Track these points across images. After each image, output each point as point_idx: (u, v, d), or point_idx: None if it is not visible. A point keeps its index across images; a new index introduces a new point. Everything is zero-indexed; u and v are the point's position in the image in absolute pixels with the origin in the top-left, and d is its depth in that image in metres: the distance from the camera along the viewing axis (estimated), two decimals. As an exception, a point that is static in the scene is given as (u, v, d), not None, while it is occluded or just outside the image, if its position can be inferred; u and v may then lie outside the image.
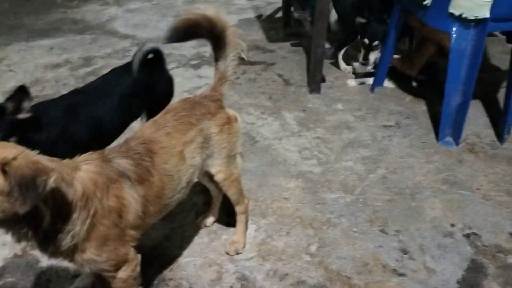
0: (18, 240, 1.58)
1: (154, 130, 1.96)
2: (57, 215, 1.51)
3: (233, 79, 2.27)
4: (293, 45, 5.06)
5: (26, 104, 2.07)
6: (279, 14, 5.96)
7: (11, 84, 4.27)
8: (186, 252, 2.44)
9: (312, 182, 2.96)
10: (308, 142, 3.38)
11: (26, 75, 4.47)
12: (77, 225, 1.57)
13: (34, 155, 1.44)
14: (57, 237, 1.55)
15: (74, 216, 1.55)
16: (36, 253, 1.95)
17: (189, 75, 4.47)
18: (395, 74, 4.13)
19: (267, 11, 6.19)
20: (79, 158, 1.72)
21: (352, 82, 4.15)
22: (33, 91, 4.10)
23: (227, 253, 2.44)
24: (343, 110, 3.79)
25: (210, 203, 2.64)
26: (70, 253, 1.63)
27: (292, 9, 5.24)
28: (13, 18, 6.22)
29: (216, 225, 2.62)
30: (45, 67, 4.63)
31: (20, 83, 4.28)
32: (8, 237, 2.52)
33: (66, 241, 1.57)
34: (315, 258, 2.40)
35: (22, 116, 2.06)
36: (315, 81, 3.97)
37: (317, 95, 4.00)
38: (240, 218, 2.45)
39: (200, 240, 2.52)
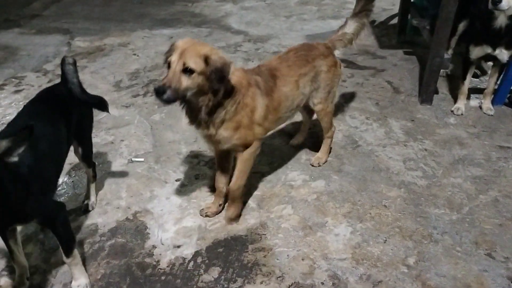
0: (190, 114, 2.29)
1: (279, 62, 2.62)
2: (225, 93, 2.19)
3: (347, 42, 2.97)
4: (406, 53, 4.89)
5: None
6: (394, 21, 5.80)
7: (134, 67, 4.68)
8: (280, 242, 2.49)
9: (416, 194, 2.84)
10: (414, 153, 3.24)
11: (147, 60, 4.86)
12: (229, 105, 2.24)
13: (221, 52, 2.17)
14: (216, 111, 2.22)
15: (230, 99, 2.22)
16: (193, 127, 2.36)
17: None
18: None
19: (381, 17, 6.04)
20: (237, 67, 2.34)
21: (474, 102, 3.87)
22: (152, 75, 4.48)
23: (312, 165, 3.09)
24: (455, 125, 3.58)
25: (301, 127, 3.37)
26: (216, 128, 2.28)
27: (409, 16, 5.07)
28: (139, 7, 6.80)
29: (312, 222, 2.63)
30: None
31: (143, 66, 4.69)
32: (122, 201, 2.79)
33: (220, 115, 2.24)
34: (413, 270, 2.31)
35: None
36: (428, 92, 3.79)
37: (428, 106, 3.83)
38: (326, 141, 3.09)
39: (295, 233, 2.55)
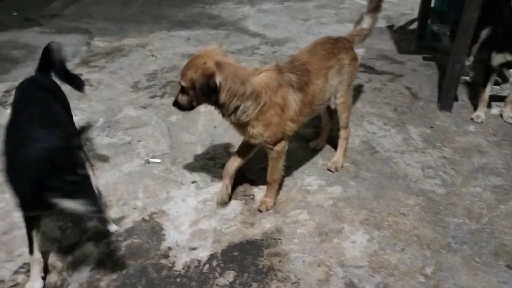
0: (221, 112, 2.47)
1: (309, 56, 2.71)
2: (229, 100, 2.34)
3: (363, 38, 3.10)
4: (425, 58, 4.84)
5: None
6: (413, 26, 5.74)
7: (152, 68, 4.71)
8: (296, 248, 2.47)
9: (434, 202, 2.80)
10: (433, 160, 3.20)
11: (165, 61, 4.89)
12: (250, 109, 2.39)
13: (209, 63, 2.30)
14: (236, 113, 2.39)
15: (248, 103, 2.37)
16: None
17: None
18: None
19: (400, 22, 5.99)
20: (265, 67, 2.54)
21: (494, 110, 3.82)
22: (170, 76, 4.50)
23: (329, 170, 3.07)
24: (475, 133, 3.53)
25: (320, 131, 3.36)
26: (245, 126, 2.48)
27: (429, 22, 5.01)
28: (158, 9, 6.84)
29: (328, 228, 2.60)
30: (182, 56, 5.01)
31: (161, 67, 4.72)
32: (138, 201, 2.80)
33: (242, 117, 2.41)
34: (430, 280, 2.27)
35: None
36: (447, 98, 3.75)
37: (447, 113, 3.78)
38: (342, 143, 3.10)
39: (311, 238, 2.53)
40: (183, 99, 2.43)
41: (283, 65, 2.64)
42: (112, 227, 2.58)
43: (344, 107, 2.97)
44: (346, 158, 3.18)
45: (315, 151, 3.31)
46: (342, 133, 3.07)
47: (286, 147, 2.67)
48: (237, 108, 2.38)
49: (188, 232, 2.59)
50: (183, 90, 2.40)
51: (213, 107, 2.45)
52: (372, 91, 4.20)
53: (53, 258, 2.41)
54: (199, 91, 2.30)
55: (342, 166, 3.11)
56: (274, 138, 2.54)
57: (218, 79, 2.27)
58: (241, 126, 2.51)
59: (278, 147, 2.60)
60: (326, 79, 2.71)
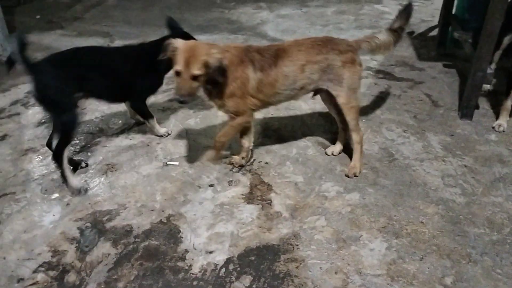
0: (205, 93, 2.88)
1: (291, 45, 2.91)
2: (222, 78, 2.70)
3: (374, 47, 3.02)
4: (445, 66, 4.78)
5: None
6: (433, 33, 5.69)
7: (172, 71, 4.74)
8: (313, 254, 2.46)
9: (454, 211, 2.76)
10: (453, 169, 3.15)
11: (184, 65, 4.92)
12: (223, 84, 2.73)
13: (215, 49, 2.66)
14: (218, 88, 2.75)
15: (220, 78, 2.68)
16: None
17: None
18: None
19: (420, 29, 5.94)
20: (233, 44, 2.89)
21: None
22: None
23: (347, 176, 3.09)
24: (496, 142, 3.47)
25: (338, 137, 3.36)
26: (218, 98, 2.81)
27: (450, 28, 4.96)
28: (177, 12, 6.92)
29: (346, 235, 2.58)
30: (201, 60, 5.04)
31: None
32: (156, 204, 2.82)
33: (218, 89, 2.75)
34: (450, 291, 2.23)
35: None
36: (468, 106, 3.69)
37: (468, 122, 3.72)
38: (356, 148, 3.11)
39: (328, 245, 2.52)
40: (193, 86, 2.64)
41: (255, 45, 2.96)
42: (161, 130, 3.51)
43: (348, 108, 3.00)
44: (364, 164, 3.15)
45: (333, 157, 3.29)
46: (354, 137, 3.10)
47: (249, 122, 3.05)
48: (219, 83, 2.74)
49: (205, 235, 2.60)
50: (194, 78, 2.59)
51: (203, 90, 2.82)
52: (391, 97, 4.16)
53: (71, 258, 2.44)
54: (216, 73, 2.62)
55: (360, 172, 3.10)
56: (236, 109, 2.87)
57: (224, 62, 2.65)
58: (214, 98, 2.86)
59: (239, 119, 2.92)
60: (301, 70, 2.86)
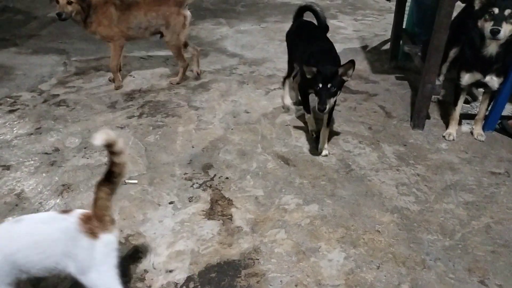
0: (79, 22, 4.35)
1: (139, 1, 4.47)
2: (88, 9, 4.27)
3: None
4: (398, 78, 4.97)
5: (350, 72, 3.08)
6: (386, 47, 5.91)
7: (130, 88, 4.72)
8: (273, 267, 2.48)
9: (409, 219, 2.86)
10: (406, 178, 3.27)
11: (143, 81, 4.90)
12: (92, 17, 4.29)
13: None
14: (88, 18, 4.29)
15: (91, 13, 4.28)
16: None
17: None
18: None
19: (373, 43, 6.16)
20: None
21: (465, 128, 3.94)
22: (148, 96, 4.50)
23: (171, 83, 4.89)
24: (447, 150, 3.63)
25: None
26: (93, 28, 4.36)
27: (401, 42, 5.17)
28: (136, 29, 6.86)
29: (306, 246, 2.62)
30: (160, 76, 5.03)
31: (138, 87, 4.72)
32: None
33: (90, 20, 4.31)
34: (406, 298, 2.30)
35: (345, 79, 3.11)
36: (420, 117, 3.85)
37: (420, 131, 3.88)
38: (180, 70, 4.85)
39: (288, 258, 2.55)
40: (69, 9, 4.12)
41: None
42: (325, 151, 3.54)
43: (171, 46, 4.64)
44: (322, 176, 3.23)
45: (292, 170, 3.34)
46: (180, 64, 4.81)
47: (120, 45, 4.52)
48: (90, 16, 4.28)
49: (165, 254, 2.57)
50: (69, 3, 4.09)
51: (78, 17, 4.24)
52: (347, 110, 4.28)
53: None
54: (84, 4, 4.16)
55: (178, 83, 4.85)
56: (106, 34, 4.38)
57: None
58: (90, 28, 4.34)
59: (112, 44, 4.48)
60: (144, 15, 4.40)
